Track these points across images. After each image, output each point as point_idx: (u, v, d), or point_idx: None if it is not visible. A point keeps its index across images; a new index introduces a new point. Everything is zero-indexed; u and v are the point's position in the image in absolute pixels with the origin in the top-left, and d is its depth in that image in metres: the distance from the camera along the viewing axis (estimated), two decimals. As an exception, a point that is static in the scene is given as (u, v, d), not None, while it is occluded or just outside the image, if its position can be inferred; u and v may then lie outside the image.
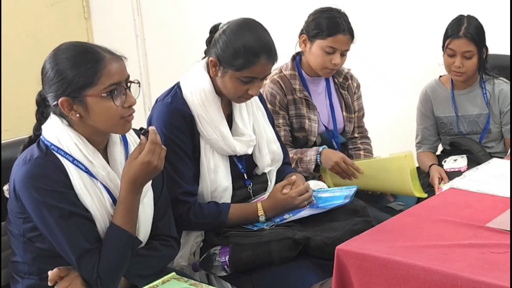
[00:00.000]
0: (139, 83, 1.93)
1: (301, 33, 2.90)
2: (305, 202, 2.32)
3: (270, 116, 2.61)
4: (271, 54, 2.26)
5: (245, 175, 2.43)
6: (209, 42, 2.35)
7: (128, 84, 1.89)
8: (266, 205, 2.31)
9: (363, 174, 2.73)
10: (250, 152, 2.42)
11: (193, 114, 2.30)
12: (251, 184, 2.44)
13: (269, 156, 2.48)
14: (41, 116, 1.96)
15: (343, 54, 2.84)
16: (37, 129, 1.96)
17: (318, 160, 2.81)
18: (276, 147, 2.51)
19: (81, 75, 1.83)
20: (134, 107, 1.92)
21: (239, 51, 2.22)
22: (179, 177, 2.27)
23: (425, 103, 3.14)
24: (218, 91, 2.33)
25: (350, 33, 2.82)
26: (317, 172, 2.88)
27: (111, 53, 1.88)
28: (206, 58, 2.36)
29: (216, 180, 2.33)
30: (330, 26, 2.81)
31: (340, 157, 2.77)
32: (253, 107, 2.47)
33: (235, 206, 2.34)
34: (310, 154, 2.82)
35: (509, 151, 3.05)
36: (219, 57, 2.26)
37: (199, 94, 2.31)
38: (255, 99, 2.48)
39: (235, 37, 2.24)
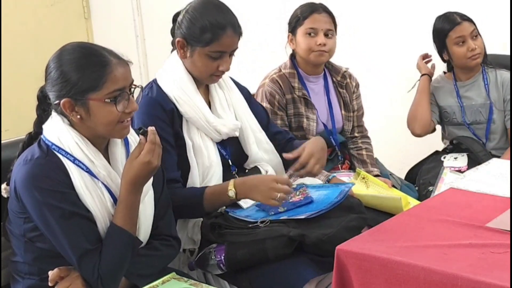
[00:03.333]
0: (141, 87, 1.94)
1: (288, 35, 2.94)
2: (278, 196, 2.19)
3: (263, 110, 2.62)
4: (235, 26, 2.30)
5: (229, 161, 2.43)
6: (173, 32, 2.41)
7: (132, 89, 1.90)
8: (239, 179, 2.29)
9: None
10: (236, 134, 2.42)
11: (171, 99, 2.32)
12: (236, 170, 2.44)
13: (256, 145, 2.48)
14: (42, 112, 1.96)
15: (328, 35, 2.85)
16: (38, 125, 1.96)
17: None
18: (262, 135, 2.51)
19: (86, 78, 1.82)
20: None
21: (205, 26, 2.26)
22: (162, 165, 2.26)
23: (432, 85, 3.19)
24: (192, 75, 2.36)
25: (327, 12, 2.86)
26: None
27: (117, 58, 1.88)
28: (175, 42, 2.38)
29: (209, 156, 2.34)
30: (304, 11, 2.88)
31: None
32: (232, 99, 2.48)
33: (210, 186, 2.32)
34: (319, 177, 2.79)
35: (509, 147, 3.05)
36: (185, 36, 2.31)
37: (173, 77, 2.34)
38: (236, 94, 2.50)
39: (199, 14, 2.28)
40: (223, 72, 2.34)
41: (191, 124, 2.35)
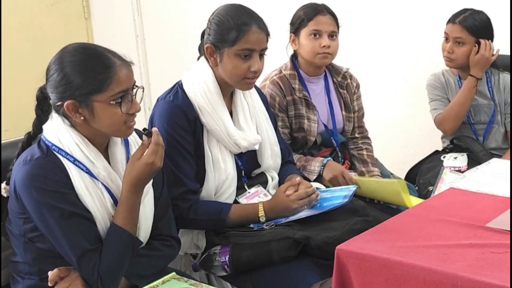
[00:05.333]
0: (143, 88, 1.94)
1: (289, 35, 2.94)
2: (305, 206, 2.32)
3: (273, 118, 2.62)
4: (261, 23, 2.29)
5: (243, 172, 2.43)
6: (201, 47, 2.39)
7: (134, 90, 1.89)
8: (267, 205, 2.32)
9: (360, 189, 2.71)
10: (256, 148, 2.42)
11: (195, 108, 2.30)
12: (247, 181, 2.45)
13: (271, 159, 2.48)
14: (41, 112, 1.95)
15: (332, 38, 2.85)
16: (37, 125, 1.96)
17: (322, 172, 2.80)
18: (277, 149, 2.53)
19: (91, 80, 1.82)
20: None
21: (230, 26, 2.24)
22: (183, 175, 2.27)
23: (439, 80, 3.16)
24: (221, 85, 2.33)
25: (331, 14, 2.86)
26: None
27: (121, 59, 1.88)
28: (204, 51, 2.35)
29: (226, 169, 2.34)
30: (308, 12, 2.86)
31: (339, 172, 2.76)
32: (256, 110, 2.47)
33: (237, 206, 2.34)
34: (315, 165, 2.80)
35: (509, 148, 3.06)
36: (212, 41, 2.28)
37: (200, 84, 2.32)
38: (259, 103, 2.48)
39: (224, 17, 2.28)
40: (255, 74, 2.30)
41: (212, 135, 2.34)
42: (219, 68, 2.31)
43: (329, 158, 2.87)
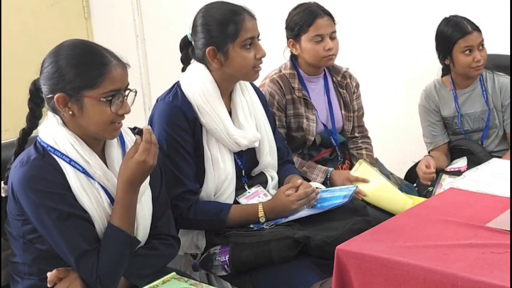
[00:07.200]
0: (136, 92, 1.94)
1: (287, 40, 2.93)
2: (304, 206, 2.32)
3: (272, 117, 2.62)
4: (248, 10, 2.32)
5: (243, 171, 2.44)
6: (184, 58, 2.40)
7: (127, 92, 1.89)
8: (267, 206, 2.32)
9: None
10: (256, 145, 2.42)
11: (194, 108, 2.31)
12: (247, 180, 2.46)
13: (270, 155, 2.48)
14: (34, 106, 1.95)
15: (332, 37, 2.85)
16: (31, 119, 1.96)
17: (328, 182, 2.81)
18: (275, 146, 2.53)
19: (84, 75, 1.82)
20: (133, 107, 1.92)
21: (224, 21, 2.26)
22: (182, 175, 2.27)
23: (429, 99, 3.12)
24: (219, 84, 2.34)
25: (328, 15, 2.85)
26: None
27: (117, 59, 1.88)
28: (202, 56, 2.34)
29: (226, 169, 2.34)
30: (306, 17, 2.85)
31: (345, 178, 2.78)
32: (255, 107, 2.48)
33: (237, 206, 2.34)
34: (317, 174, 2.81)
35: (509, 149, 3.05)
36: (210, 43, 2.29)
37: (198, 84, 2.32)
38: (256, 101, 2.49)
39: (212, 17, 2.29)
40: (261, 61, 2.33)
41: (211, 135, 2.34)
42: (225, 67, 2.31)
43: (332, 168, 2.86)
